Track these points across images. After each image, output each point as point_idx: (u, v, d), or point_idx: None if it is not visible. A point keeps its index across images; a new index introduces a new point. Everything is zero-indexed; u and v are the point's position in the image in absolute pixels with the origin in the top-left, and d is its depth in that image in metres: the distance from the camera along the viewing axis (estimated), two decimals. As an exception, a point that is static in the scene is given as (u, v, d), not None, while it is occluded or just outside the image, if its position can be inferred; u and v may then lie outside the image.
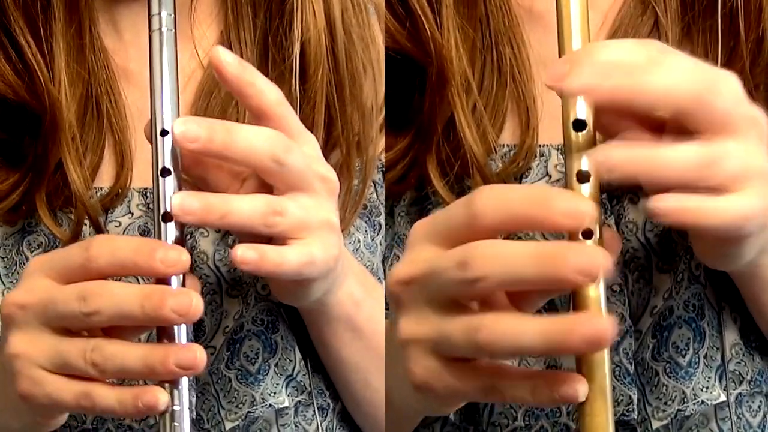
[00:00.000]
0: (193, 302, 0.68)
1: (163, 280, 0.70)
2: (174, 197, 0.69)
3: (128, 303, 0.68)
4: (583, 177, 0.65)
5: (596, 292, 0.65)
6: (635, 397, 0.77)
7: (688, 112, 0.63)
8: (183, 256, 0.69)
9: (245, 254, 0.69)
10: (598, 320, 0.62)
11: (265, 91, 0.71)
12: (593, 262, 0.61)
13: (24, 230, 0.84)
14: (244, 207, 0.70)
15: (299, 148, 0.71)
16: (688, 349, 0.79)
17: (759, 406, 0.81)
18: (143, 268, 0.69)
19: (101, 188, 0.83)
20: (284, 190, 0.71)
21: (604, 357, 0.65)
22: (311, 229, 0.72)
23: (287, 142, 0.70)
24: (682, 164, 0.62)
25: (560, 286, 0.64)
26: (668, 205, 0.62)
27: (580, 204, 0.62)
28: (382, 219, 0.88)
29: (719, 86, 0.64)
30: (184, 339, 0.70)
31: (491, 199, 0.64)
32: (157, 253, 0.68)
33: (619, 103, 0.63)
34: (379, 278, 0.88)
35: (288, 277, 0.72)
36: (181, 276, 0.70)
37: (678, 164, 0.62)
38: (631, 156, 0.62)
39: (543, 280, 0.62)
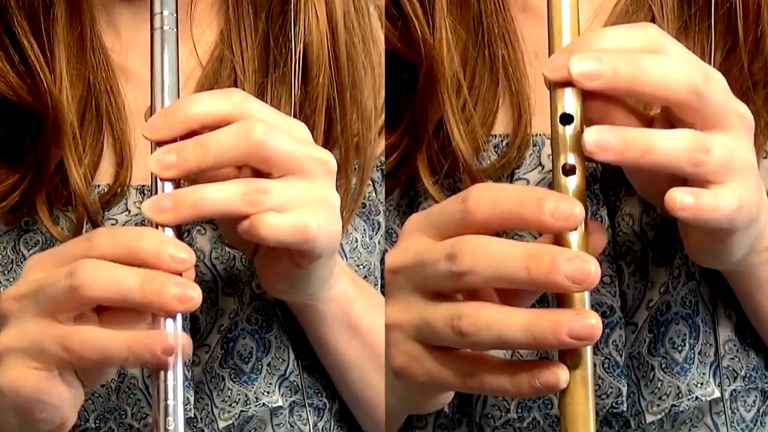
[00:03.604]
0: (196, 295, 0.68)
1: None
2: None
3: (126, 284, 0.67)
4: (568, 171, 0.65)
5: None
6: (624, 390, 0.77)
7: (684, 103, 0.64)
8: (187, 254, 0.68)
9: None
10: (585, 317, 0.63)
11: None
12: (584, 268, 0.62)
13: (21, 228, 0.83)
14: (215, 194, 0.68)
15: (286, 133, 0.70)
16: (684, 345, 0.78)
17: (754, 401, 0.80)
18: (149, 255, 0.68)
19: (99, 186, 0.83)
20: (279, 176, 0.70)
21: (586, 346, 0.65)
22: (307, 205, 0.70)
23: (269, 128, 0.69)
24: (674, 147, 0.63)
25: (550, 290, 0.65)
26: (686, 199, 0.63)
27: (571, 206, 0.63)
28: (381, 218, 0.88)
29: (711, 79, 0.64)
30: (179, 329, 0.69)
31: (485, 197, 0.65)
32: (168, 246, 0.68)
33: (618, 91, 0.64)
34: (376, 278, 0.88)
35: (303, 245, 0.70)
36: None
37: (670, 147, 0.63)
38: (624, 137, 0.63)
39: (532, 282, 0.63)
